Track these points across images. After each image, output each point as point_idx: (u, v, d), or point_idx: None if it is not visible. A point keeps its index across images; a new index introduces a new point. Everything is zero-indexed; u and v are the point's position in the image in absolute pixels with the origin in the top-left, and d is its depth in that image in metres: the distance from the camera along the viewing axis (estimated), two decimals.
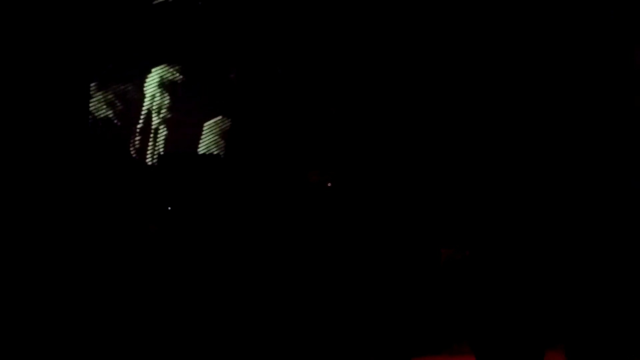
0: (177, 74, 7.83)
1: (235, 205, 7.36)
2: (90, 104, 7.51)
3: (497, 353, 6.21)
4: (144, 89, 7.81)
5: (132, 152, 7.72)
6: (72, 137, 7.21)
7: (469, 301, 6.58)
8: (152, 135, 7.76)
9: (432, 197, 7.21)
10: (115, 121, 7.74)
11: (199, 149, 7.87)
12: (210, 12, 7.75)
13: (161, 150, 7.75)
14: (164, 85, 7.81)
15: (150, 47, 7.68)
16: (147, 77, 7.80)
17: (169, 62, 7.81)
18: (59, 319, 6.72)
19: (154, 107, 7.77)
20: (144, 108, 7.80)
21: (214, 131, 7.89)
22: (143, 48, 7.67)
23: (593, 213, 6.66)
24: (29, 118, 7.03)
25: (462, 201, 7.09)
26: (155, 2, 7.61)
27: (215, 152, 7.83)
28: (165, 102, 7.83)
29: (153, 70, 7.81)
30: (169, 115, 7.87)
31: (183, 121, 7.97)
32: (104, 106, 7.63)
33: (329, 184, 7.23)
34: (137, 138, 7.73)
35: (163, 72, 7.81)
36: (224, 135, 7.83)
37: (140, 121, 7.77)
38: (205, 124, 7.92)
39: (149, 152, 7.73)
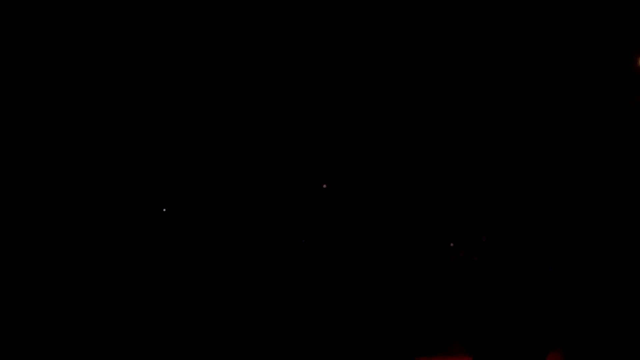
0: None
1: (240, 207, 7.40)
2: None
3: (496, 355, 6.23)
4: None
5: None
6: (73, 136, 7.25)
7: (465, 302, 6.60)
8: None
9: (429, 199, 7.21)
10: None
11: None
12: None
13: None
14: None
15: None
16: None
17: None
18: (59, 318, 6.78)
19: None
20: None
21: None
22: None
23: (593, 214, 6.66)
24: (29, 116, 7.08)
25: (459, 203, 7.09)
26: None
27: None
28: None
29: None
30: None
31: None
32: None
33: (324, 186, 7.25)
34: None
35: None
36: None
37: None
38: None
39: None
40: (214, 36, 7.57)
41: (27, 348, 6.52)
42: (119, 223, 7.21)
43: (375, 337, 6.75)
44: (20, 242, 6.89)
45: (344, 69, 7.67)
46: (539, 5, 7.29)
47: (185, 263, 7.18)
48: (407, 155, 7.39)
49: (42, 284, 6.85)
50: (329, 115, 7.57)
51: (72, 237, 7.04)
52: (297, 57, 7.70)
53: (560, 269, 6.55)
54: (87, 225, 7.11)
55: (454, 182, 7.21)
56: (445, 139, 7.37)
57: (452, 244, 6.99)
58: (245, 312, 7.01)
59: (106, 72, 7.45)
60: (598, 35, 7.10)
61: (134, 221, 7.26)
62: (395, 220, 7.18)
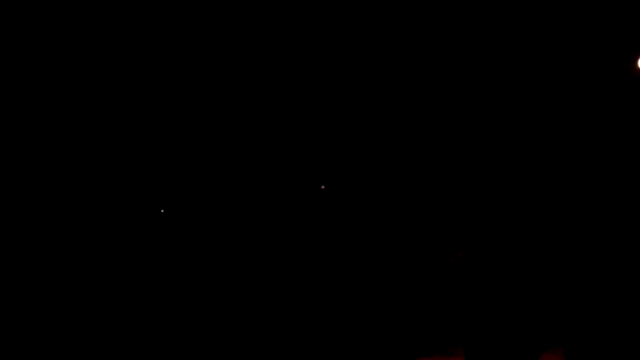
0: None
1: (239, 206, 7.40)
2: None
3: (491, 356, 6.23)
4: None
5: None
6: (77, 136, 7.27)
7: (463, 303, 6.60)
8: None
9: (427, 201, 7.22)
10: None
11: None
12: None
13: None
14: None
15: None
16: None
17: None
18: (59, 318, 6.78)
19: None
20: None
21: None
22: None
23: (591, 214, 6.66)
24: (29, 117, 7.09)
25: (456, 204, 7.09)
26: None
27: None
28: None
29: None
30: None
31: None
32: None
33: (322, 187, 7.26)
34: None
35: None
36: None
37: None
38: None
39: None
40: (214, 36, 7.60)
41: (27, 348, 6.54)
42: (116, 224, 7.23)
43: (375, 337, 6.77)
44: (19, 242, 6.90)
45: (344, 69, 7.69)
46: (538, 5, 7.29)
47: (184, 264, 7.19)
48: (407, 156, 7.40)
49: (40, 285, 6.87)
50: (328, 115, 7.59)
51: (70, 238, 7.06)
52: (296, 57, 7.72)
53: (559, 269, 6.55)
54: (85, 226, 7.13)
55: (454, 184, 7.22)
56: (445, 140, 7.37)
57: (451, 246, 6.99)
58: (245, 312, 7.03)
59: (104, 72, 7.47)
60: (598, 35, 7.10)
61: (131, 222, 7.28)
62: (394, 221, 7.19)
